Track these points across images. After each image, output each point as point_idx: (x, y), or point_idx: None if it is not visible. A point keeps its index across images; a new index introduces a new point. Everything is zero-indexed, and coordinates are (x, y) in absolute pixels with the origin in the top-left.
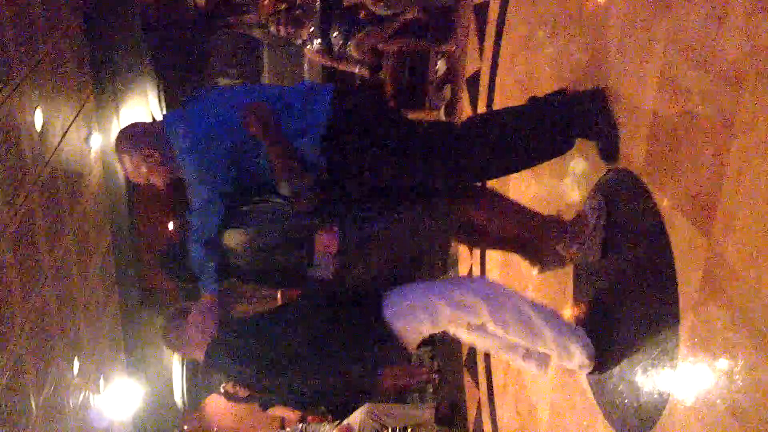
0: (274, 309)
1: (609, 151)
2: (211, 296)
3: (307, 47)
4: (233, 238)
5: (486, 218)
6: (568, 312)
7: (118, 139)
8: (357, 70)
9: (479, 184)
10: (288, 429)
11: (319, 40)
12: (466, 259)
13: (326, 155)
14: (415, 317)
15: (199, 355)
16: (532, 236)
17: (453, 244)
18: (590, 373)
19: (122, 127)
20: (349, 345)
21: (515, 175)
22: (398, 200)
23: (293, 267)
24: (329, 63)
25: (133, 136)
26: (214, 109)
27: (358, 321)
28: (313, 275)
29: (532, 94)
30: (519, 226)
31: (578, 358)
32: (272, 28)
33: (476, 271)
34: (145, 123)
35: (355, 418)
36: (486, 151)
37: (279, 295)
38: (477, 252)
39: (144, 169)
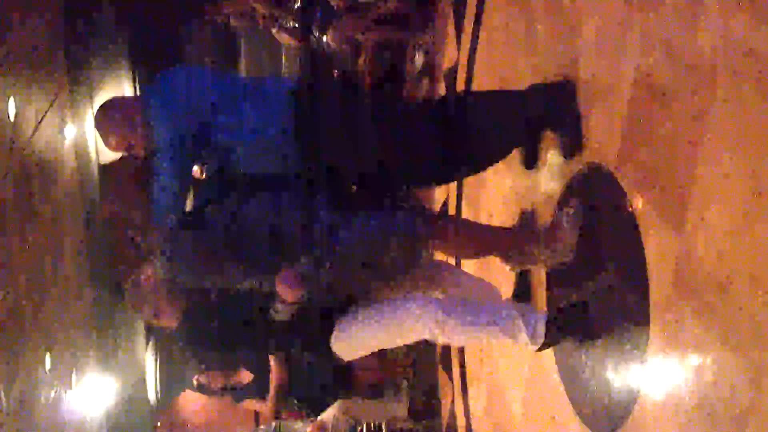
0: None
1: (574, 146)
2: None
3: (279, 28)
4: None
5: (456, 249)
6: (541, 307)
7: (99, 109)
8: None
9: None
10: (262, 426)
11: (295, 26)
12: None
13: (299, 145)
14: (360, 349)
15: (168, 322)
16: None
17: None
18: (538, 349)
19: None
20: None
21: (490, 170)
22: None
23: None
24: (299, 42)
25: (114, 104)
26: (189, 84)
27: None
28: (272, 318)
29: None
30: (491, 244)
31: (525, 337)
32: (257, 5)
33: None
34: (123, 96)
35: (329, 414)
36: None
37: None
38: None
39: (126, 133)
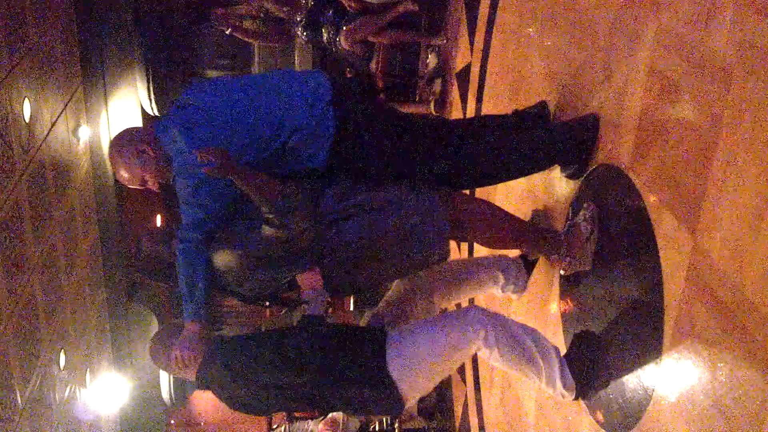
0: (269, 332)
1: (583, 170)
2: (193, 323)
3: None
4: (220, 259)
5: (478, 234)
6: (554, 308)
7: (111, 143)
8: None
9: (469, 192)
10: (275, 425)
11: (307, 30)
12: (453, 252)
13: (330, 156)
14: (418, 381)
15: (190, 376)
16: (524, 248)
17: None
18: (574, 399)
19: (110, 118)
20: (342, 382)
21: None
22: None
23: (279, 284)
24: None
25: (125, 138)
26: (208, 117)
27: (356, 360)
28: (306, 313)
29: (515, 107)
30: (513, 241)
31: (560, 389)
32: (269, 6)
33: None
34: (135, 128)
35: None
36: (481, 167)
37: (267, 312)
38: (465, 246)
39: (138, 169)
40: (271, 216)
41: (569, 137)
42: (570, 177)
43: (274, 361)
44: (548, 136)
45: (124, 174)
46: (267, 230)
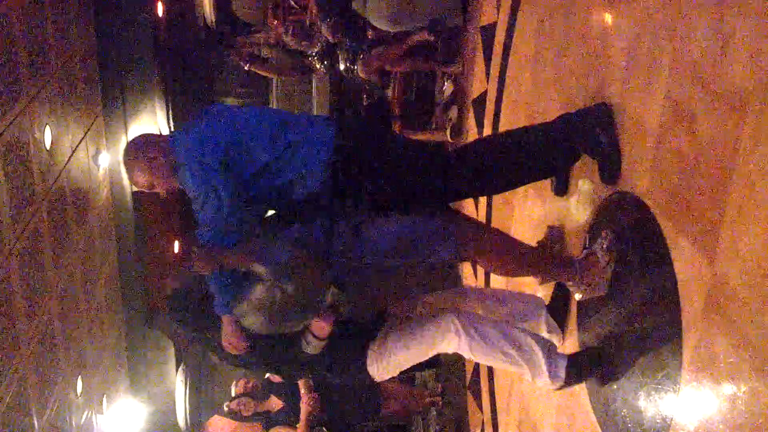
0: None
1: (612, 172)
2: (227, 316)
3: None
4: (247, 322)
5: (493, 265)
6: (572, 334)
7: (126, 146)
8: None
9: (482, 224)
10: None
11: (324, 60)
12: (469, 276)
13: (329, 185)
14: (393, 367)
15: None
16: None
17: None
18: (558, 388)
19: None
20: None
21: (520, 196)
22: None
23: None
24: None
25: (140, 143)
26: (224, 127)
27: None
28: (302, 351)
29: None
30: (527, 270)
31: (545, 382)
32: (288, 39)
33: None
34: (152, 133)
35: None
36: (490, 169)
37: None
38: (481, 271)
39: (149, 175)
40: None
41: (579, 119)
42: (606, 178)
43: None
44: (555, 125)
45: (134, 175)
46: (306, 346)
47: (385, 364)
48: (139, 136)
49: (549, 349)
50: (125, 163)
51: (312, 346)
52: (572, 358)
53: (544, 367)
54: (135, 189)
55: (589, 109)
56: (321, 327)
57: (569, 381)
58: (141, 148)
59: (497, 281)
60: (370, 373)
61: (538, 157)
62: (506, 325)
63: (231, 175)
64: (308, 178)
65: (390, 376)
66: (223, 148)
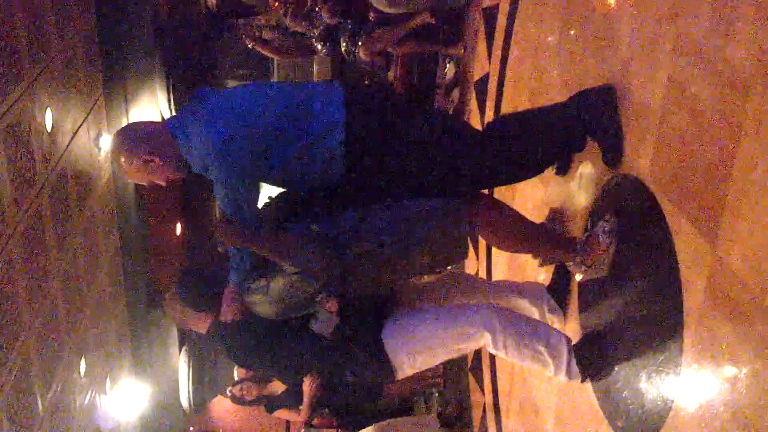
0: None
1: (615, 155)
2: (234, 286)
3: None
4: (260, 309)
5: (496, 240)
6: (573, 318)
7: (116, 139)
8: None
9: (489, 198)
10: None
11: (326, 42)
12: (472, 259)
13: (348, 156)
14: (415, 352)
15: (201, 328)
16: (541, 254)
17: None
18: (582, 381)
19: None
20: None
21: None
22: (410, 213)
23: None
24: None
25: (132, 140)
26: (229, 105)
27: (355, 334)
28: (312, 327)
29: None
30: (529, 247)
31: (563, 377)
32: (288, 22)
33: (482, 273)
34: (142, 124)
35: None
36: (503, 161)
37: None
38: (483, 252)
39: (144, 173)
40: (294, 270)
41: (582, 100)
42: (608, 161)
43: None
44: (559, 108)
45: (127, 174)
46: (314, 324)
47: (411, 361)
48: (128, 130)
49: (569, 344)
50: (114, 157)
51: (325, 324)
52: (577, 352)
53: (566, 363)
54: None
55: (592, 91)
56: (328, 303)
57: (585, 375)
58: (132, 149)
59: (499, 267)
60: (395, 366)
61: (557, 138)
62: (534, 320)
63: (253, 180)
64: (328, 137)
65: (413, 372)
66: (247, 148)
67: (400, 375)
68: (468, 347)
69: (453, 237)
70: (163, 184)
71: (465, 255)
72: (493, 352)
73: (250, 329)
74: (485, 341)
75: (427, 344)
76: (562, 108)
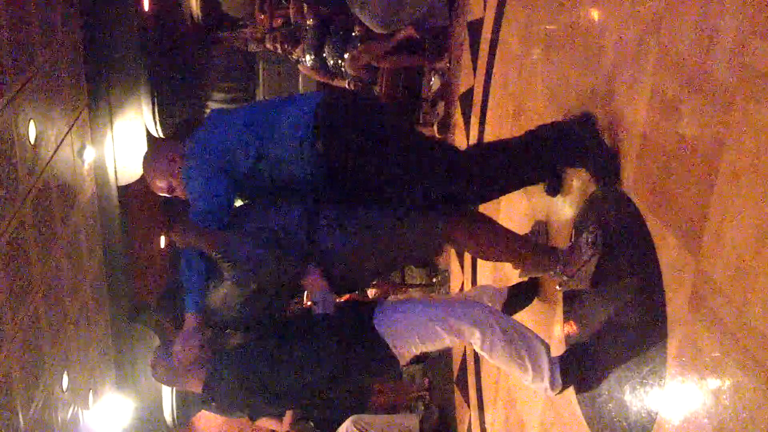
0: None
1: (600, 172)
2: (192, 315)
3: (301, 63)
4: (213, 298)
5: (475, 248)
6: (558, 329)
7: (145, 154)
8: (348, 85)
9: (469, 208)
10: None
11: (312, 56)
12: (458, 275)
13: (322, 152)
14: (408, 335)
15: (196, 387)
16: (522, 263)
17: (445, 260)
18: (557, 393)
19: (115, 140)
20: (340, 356)
21: None
22: (384, 213)
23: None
24: (323, 78)
25: (159, 148)
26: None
27: (350, 333)
28: (316, 313)
29: (527, 128)
30: (510, 255)
31: (545, 387)
32: (269, 45)
33: (467, 287)
34: (169, 142)
35: (342, 429)
36: (483, 182)
37: None
38: (468, 267)
39: (168, 175)
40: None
41: (564, 130)
42: (597, 178)
43: (292, 361)
44: (543, 139)
45: (154, 179)
46: (315, 309)
47: (398, 322)
48: (157, 142)
49: (549, 353)
50: (145, 171)
51: (323, 303)
52: (562, 363)
53: (547, 373)
54: (120, 184)
55: (574, 123)
56: (313, 283)
57: (566, 385)
58: (160, 152)
59: (484, 282)
60: (379, 329)
61: (543, 160)
62: (522, 325)
63: (225, 176)
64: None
65: (404, 345)
66: (219, 153)
67: (402, 362)
68: (454, 342)
69: (426, 236)
70: (184, 194)
71: (439, 251)
72: (479, 351)
73: (255, 380)
74: (473, 340)
75: (421, 332)
76: (544, 139)
